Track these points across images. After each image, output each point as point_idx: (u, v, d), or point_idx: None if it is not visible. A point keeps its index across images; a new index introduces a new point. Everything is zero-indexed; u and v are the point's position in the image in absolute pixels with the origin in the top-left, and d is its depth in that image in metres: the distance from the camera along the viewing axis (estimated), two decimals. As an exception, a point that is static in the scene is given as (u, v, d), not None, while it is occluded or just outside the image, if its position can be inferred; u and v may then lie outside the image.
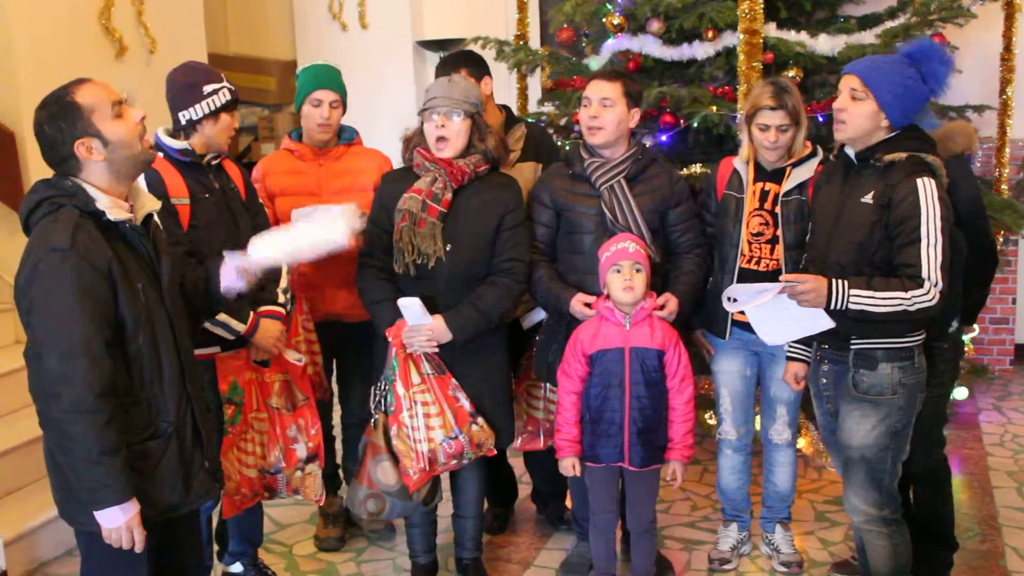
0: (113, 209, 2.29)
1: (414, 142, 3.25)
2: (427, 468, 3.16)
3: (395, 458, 3.18)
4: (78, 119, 2.27)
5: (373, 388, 3.27)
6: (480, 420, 3.21)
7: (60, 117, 2.27)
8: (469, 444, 3.19)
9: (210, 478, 2.55)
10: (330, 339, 3.74)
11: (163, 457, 2.39)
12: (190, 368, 2.50)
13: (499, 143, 3.27)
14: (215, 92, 3.12)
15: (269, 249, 2.66)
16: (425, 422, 3.14)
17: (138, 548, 2.32)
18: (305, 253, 2.72)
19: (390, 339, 3.14)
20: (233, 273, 2.64)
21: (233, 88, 3.20)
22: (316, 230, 2.73)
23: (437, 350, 3.14)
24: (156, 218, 2.50)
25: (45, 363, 2.21)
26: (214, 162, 3.23)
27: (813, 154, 3.33)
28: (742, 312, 3.27)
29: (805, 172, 3.29)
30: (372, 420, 3.23)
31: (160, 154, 3.11)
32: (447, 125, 3.14)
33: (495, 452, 3.31)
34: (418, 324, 3.09)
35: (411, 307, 3.04)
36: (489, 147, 3.21)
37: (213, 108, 3.11)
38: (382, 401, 3.20)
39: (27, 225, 2.33)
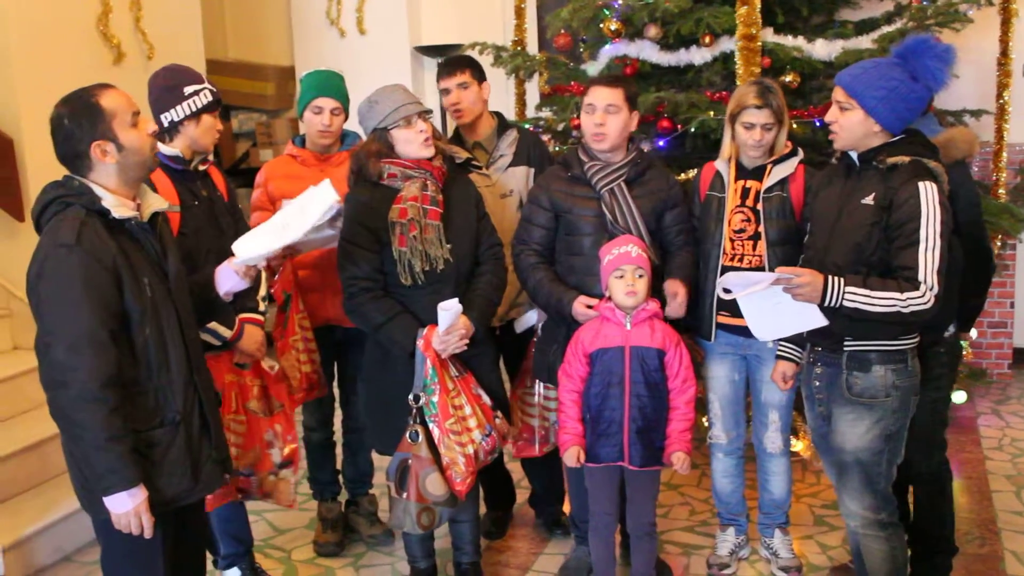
0: (118, 207, 2.40)
1: (383, 153, 3.18)
2: (474, 470, 3.17)
3: (440, 468, 3.15)
4: (99, 121, 2.38)
5: (411, 400, 3.16)
6: (499, 412, 3.28)
7: (83, 115, 2.38)
8: (499, 438, 3.26)
9: (219, 468, 2.64)
10: (331, 344, 3.76)
11: (171, 446, 2.48)
12: (198, 360, 2.60)
13: (445, 141, 3.36)
14: (196, 93, 3.13)
15: (255, 243, 2.66)
16: (464, 425, 3.15)
17: (147, 534, 2.40)
18: (293, 233, 2.70)
19: (422, 350, 3.10)
20: (232, 275, 2.69)
21: (214, 89, 3.20)
22: (297, 209, 2.72)
23: (466, 348, 3.15)
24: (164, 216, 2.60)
25: (53, 354, 2.30)
26: (201, 167, 3.25)
27: (794, 152, 3.36)
28: (728, 314, 3.30)
29: (786, 169, 3.33)
30: (409, 435, 3.15)
31: None
32: (428, 128, 3.17)
33: (509, 442, 3.39)
34: (452, 325, 3.08)
35: (452, 309, 3.03)
36: (445, 146, 3.28)
37: (194, 109, 3.12)
38: (418, 415, 3.15)
39: (38, 224, 2.44)
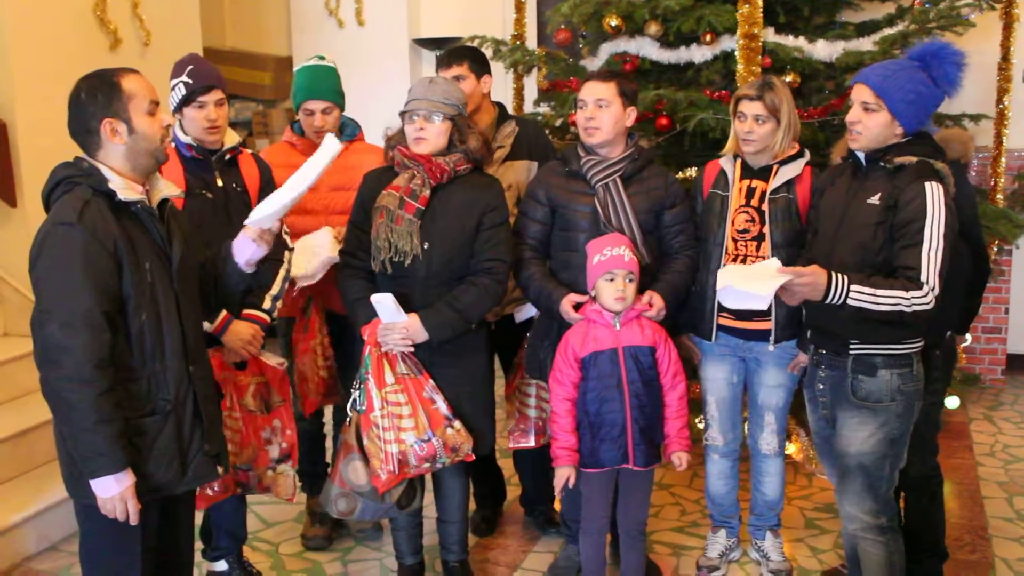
0: (125, 190, 2.38)
1: (395, 140, 3.23)
2: (396, 470, 3.11)
3: (366, 458, 3.15)
4: (116, 99, 2.38)
5: (351, 386, 3.23)
6: (457, 424, 3.15)
7: (100, 90, 2.38)
8: (443, 448, 3.13)
9: (210, 461, 2.59)
10: (329, 333, 3.73)
11: (160, 435, 2.44)
12: (196, 351, 2.56)
13: (482, 144, 3.22)
14: (173, 88, 3.18)
15: (267, 205, 2.59)
16: (396, 423, 3.10)
17: (132, 520, 2.37)
18: (302, 185, 2.62)
19: (364, 337, 3.12)
20: (248, 243, 2.62)
21: (189, 81, 3.16)
22: (303, 169, 2.65)
23: (412, 349, 3.10)
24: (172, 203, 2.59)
25: (47, 331, 2.29)
26: (227, 157, 3.25)
27: (800, 154, 3.33)
28: (729, 316, 3.29)
29: (792, 170, 3.30)
30: (347, 419, 3.20)
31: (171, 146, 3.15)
32: (426, 128, 3.12)
33: (473, 457, 3.22)
34: (392, 322, 3.06)
35: (384, 303, 3.01)
36: (471, 147, 3.18)
37: (174, 105, 3.18)
38: (355, 400, 3.18)
39: (47, 205, 2.43)
